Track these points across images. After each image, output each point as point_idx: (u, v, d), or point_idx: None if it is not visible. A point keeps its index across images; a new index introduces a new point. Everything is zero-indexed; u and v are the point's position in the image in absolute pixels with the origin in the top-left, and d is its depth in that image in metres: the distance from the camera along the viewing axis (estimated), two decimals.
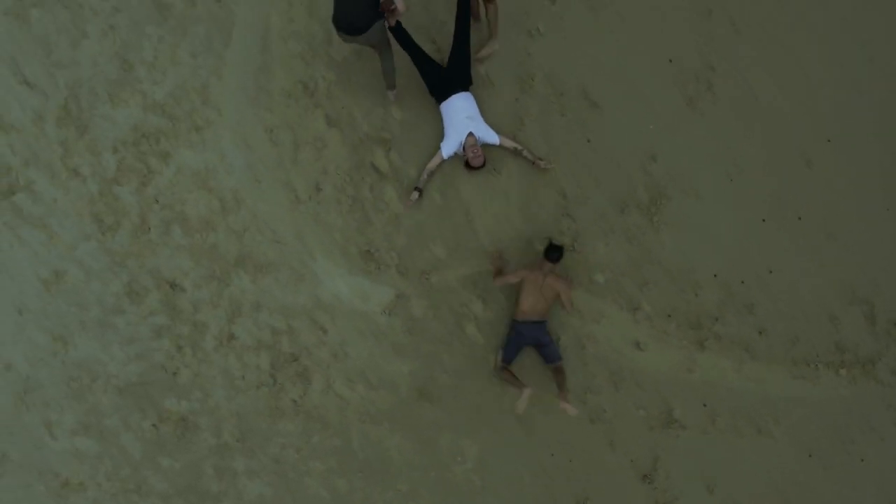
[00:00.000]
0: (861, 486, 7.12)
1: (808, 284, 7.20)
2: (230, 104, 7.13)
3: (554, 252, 6.74)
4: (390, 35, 6.62)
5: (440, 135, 7.01)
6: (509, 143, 7.02)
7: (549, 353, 6.74)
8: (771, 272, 7.20)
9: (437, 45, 7.17)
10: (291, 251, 7.01)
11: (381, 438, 6.94)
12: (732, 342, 7.12)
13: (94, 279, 6.93)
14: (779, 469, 7.08)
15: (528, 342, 6.76)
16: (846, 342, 7.17)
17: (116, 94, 7.09)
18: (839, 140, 7.35)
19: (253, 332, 6.94)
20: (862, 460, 7.12)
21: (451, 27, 6.90)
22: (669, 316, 7.11)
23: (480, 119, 6.95)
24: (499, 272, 6.86)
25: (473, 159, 6.86)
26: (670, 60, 7.32)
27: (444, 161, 6.99)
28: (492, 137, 6.95)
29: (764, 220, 7.23)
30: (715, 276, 7.16)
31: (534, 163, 7.04)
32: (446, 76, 6.85)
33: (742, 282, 7.16)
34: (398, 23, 6.54)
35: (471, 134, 6.85)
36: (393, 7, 6.21)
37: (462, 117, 6.86)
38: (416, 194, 6.95)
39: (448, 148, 6.93)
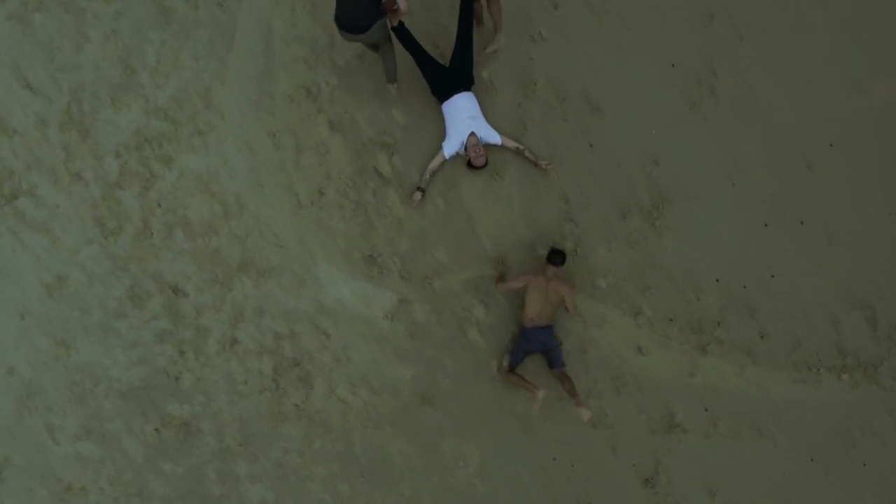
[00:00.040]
0: (863, 491, 7.13)
1: (809, 288, 7.21)
2: (233, 108, 7.13)
3: (557, 256, 6.75)
4: (392, 32, 6.62)
5: (442, 137, 7.01)
6: (511, 143, 7.02)
7: (554, 359, 6.74)
8: (773, 276, 7.21)
9: (440, 49, 7.17)
10: (294, 256, 7.01)
11: (383, 443, 6.94)
12: (734, 346, 7.12)
13: (96, 283, 6.93)
14: (780, 473, 7.08)
15: (536, 348, 6.77)
16: (848, 346, 7.18)
17: (119, 98, 7.09)
18: (841, 144, 7.36)
19: (255, 337, 6.94)
20: (864, 464, 7.13)
21: (453, 31, 6.91)
22: (671, 320, 7.11)
23: (482, 119, 6.96)
24: (501, 277, 6.87)
25: (475, 159, 6.87)
26: (672, 65, 7.32)
27: (446, 161, 7.00)
28: (493, 137, 6.95)
29: (766, 225, 7.24)
30: (717, 280, 7.17)
31: (535, 163, 7.04)
32: (448, 76, 6.86)
33: (744, 286, 7.17)
34: (401, 23, 6.54)
35: (472, 133, 6.85)
36: (395, 7, 6.21)
37: (464, 117, 6.87)
38: (418, 194, 6.96)
39: (450, 148, 6.93)
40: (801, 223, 7.26)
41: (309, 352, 6.95)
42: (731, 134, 7.29)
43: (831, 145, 7.35)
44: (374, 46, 6.77)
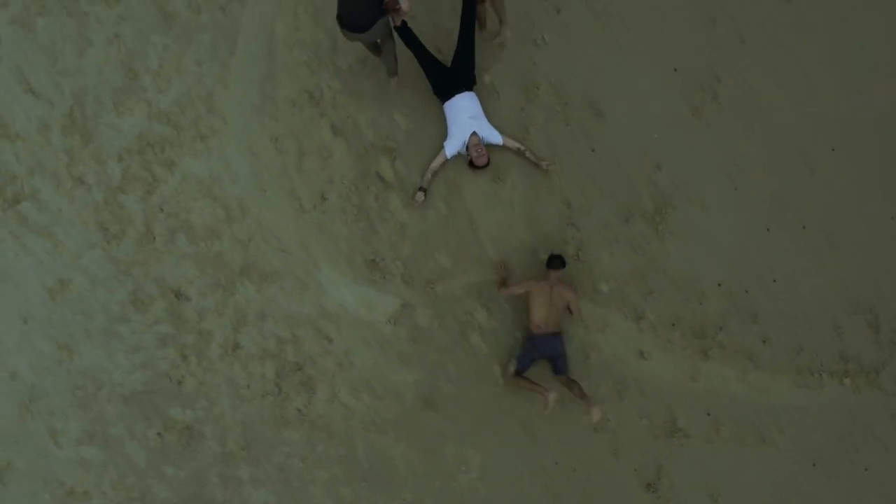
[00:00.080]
0: (865, 496, 7.13)
1: (811, 293, 7.21)
2: (235, 113, 7.13)
3: (556, 260, 6.74)
4: (394, 31, 6.62)
5: (444, 139, 7.01)
6: (512, 144, 7.02)
7: (561, 365, 6.73)
8: (775, 281, 7.21)
9: (443, 53, 7.16)
10: (296, 260, 7.01)
11: (385, 447, 6.94)
12: (736, 351, 7.12)
13: (99, 288, 6.93)
14: (782, 478, 7.08)
15: (544, 354, 6.72)
16: (850, 351, 7.18)
17: (121, 102, 7.09)
18: (842, 148, 7.36)
19: (258, 341, 6.95)
20: (866, 469, 7.13)
21: (455, 34, 6.90)
22: (673, 325, 7.11)
23: (484, 119, 6.96)
24: (503, 282, 6.87)
25: (477, 158, 6.87)
26: (675, 69, 7.32)
27: (447, 160, 6.99)
28: (495, 137, 6.96)
29: (768, 229, 7.24)
30: (719, 285, 7.17)
31: (536, 164, 7.05)
32: (450, 76, 6.86)
33: (746, 291, 7.17)
34: (403, 22, 6.54)
35: (474, 133, 6.86)
36: (397, 6, 6.22)
37: (465, 117, 6.87)
38: (420, 195, 6.95)
39: (451, 147, 6.93)
40: (803, 227, 7.26)
41: (311, 356, 6.95)
42: (734, 138, 7.29)
43: (833, 149, 7.35)
44: (375, 47, 6.78)
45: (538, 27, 7.28)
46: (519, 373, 6.75)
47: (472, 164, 6.97)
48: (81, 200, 7.00)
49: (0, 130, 7.04)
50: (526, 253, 7.08)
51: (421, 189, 6.96)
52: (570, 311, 6.82)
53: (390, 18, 6.39)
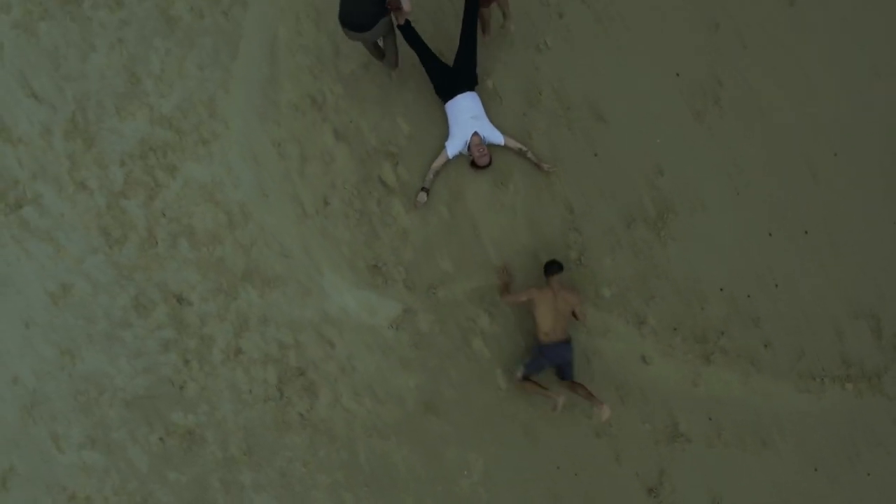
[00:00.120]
0: (867, 500, 7.12)
1: (813, 298, 7.21)
2: (237, 117, 7.13)
3: (553, 266, 6.69)
4: (398, 30, 6.63)
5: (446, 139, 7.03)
6: (514, 144, 7.02)
7: (568, 372, 6.72)
8: (776, 285, 7.20)
9: (445, 56, 7.15)
10: (299, 265, 7.02)
11: (387, 452, 6.95)
12: (738, 356, 7.12)
13: (101, 292, 6.93)
14: (784, 483, 7.08)
15: (554, 362, 6.69)
16: (852, 356, 7.18)
17: (124, 106, 7.09)
18: (845, 154, 7.35)
19: (260, 346, 6.95)
20: (868, 474, 7.13)
21: (456, 36, 6.90)
22: (675, 330, 7.11)
23: (485, 119, 6.96)
24: (505, 287, 6.86)
25: (479, 158, 6.87)
26: (677, 74, 7.32)
27: (449, 160, 6.99)
28: (496, 137, 6.96)
29: (770, 234, 7.24)
30: (721, 289, 7.17)
31: (537, 165, 7.05)
32: (452, 75, 6.86)
33: (748, 295, 7.17)
34: (407, 21, 6.54)
35: (475, 133, 6.86)
36: (399, 6, 6.23)
37: (467, 117, 6.87)
38: (423, 195, 6.95)
39: (453, 147, 6.94)
40: (805, 232, 7.26)
41: (313, 361, 6.96)
42: (736, 143, 7.29)
43: (835, 154, 7.34)
44: (376, 47, 6.77)
45: (541, 32, 7.28)
46: (527, 377, 6.73)
47: (473, 164, 6.97)
48: (83, 205, 7.00)
49: (3, 135, 7.05)
50: (528, 257, 7.08)
51: (423, 189, 6.96)
52: (576, 316, 6.81)
53: (393, 17, 6.40)
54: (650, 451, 7.04)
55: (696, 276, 7.16)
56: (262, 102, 7.14)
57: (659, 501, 7.01)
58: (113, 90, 7.09)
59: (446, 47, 7.13)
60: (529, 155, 7.04)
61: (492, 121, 7.04)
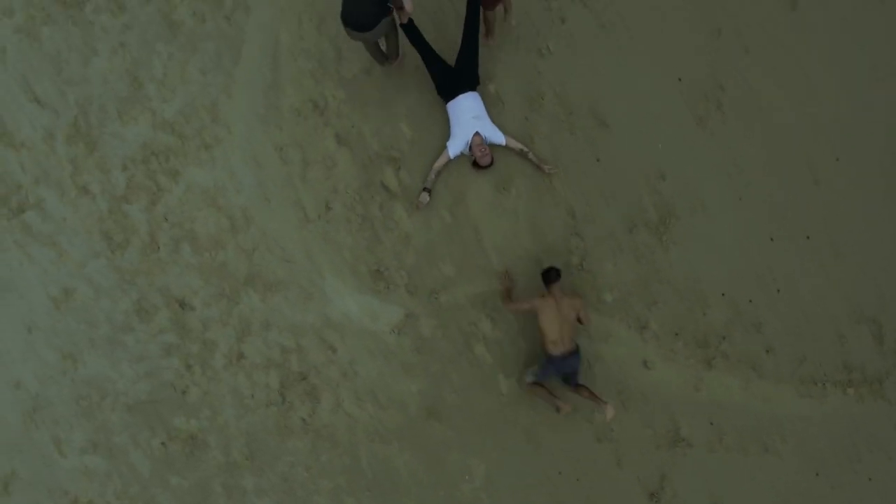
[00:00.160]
0: None
1: (815, 303, 7.21)
2: (240, 122, 7.14)
3: (551, 273, 6.62)
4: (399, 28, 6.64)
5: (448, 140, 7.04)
6: (515, 144, 7.02)
7: (574, 379, 6.71)
8: (778, 291, 7.20)
9: (448, 58, 7.15)
10: (301, 270, 7.02)
11: (389, 457, 6.95)
12: (740, 361, 7.12)
13: (103, 297, 6.94)
14: (786, 487, 7.09)
15: (563, 372, 6.64)
16: (854, 361, 7.18)
17: (126, 111, 7.10)
18: (847, 158, 7.34)
19: (262, 351, 6.96)
20: (870, 479, 7.13)
21: (458, 37, 6.90)
22: (677, 334, 7.12)
23: (487, 119, 6.96)
24: (508, 293, 6.85)
25: (481, 158, 6.87)
26: (679, 79, 7.32)
27: (451, 161, 6.99)
28: (498, 138, 6.95)
29: (772, 239, 7.24)
30: (723, 294, 7.17)
31: (538, 166, 7.05)
32: (454, 75, 6.86)
33: (750, 300, 7.17)
34: (410, 20, 6.54)
35: (477, 133, 6.86)
36: (401, 5, 6.23)
37: (469, 117, 6.87)
38: (425, 195, 6.95)
39: (454, 147, 6.93)
40: (807, 238, 7.26)
41: (315, 366, 6.96)
42: (737, 148, 7.29)
43: (837, 159, 7.34)
44: (377, 47, 6.77)
45: (543, 37, 7.28)
46: (536, 383, 6.72)
47: (475, 164, 6.97)
48: (86, 210, 7.01)
49: (5, 139, 7.06)
50: (530, 262, 7.08)
51: (425, 189, 6.96)
52: (580, 321, 6.76)
53: (396, 16, 6.40)
54: (652, 455, 7.04)
55: (697, 281, 7.16)
56: (265, 107, 7.14)
57: None
58: (115, 94, 7.10)
59: (447, 47, 7.13)
60: (531, 156, 7.04)
61: (494, 124, 7.04)
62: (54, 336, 6.90)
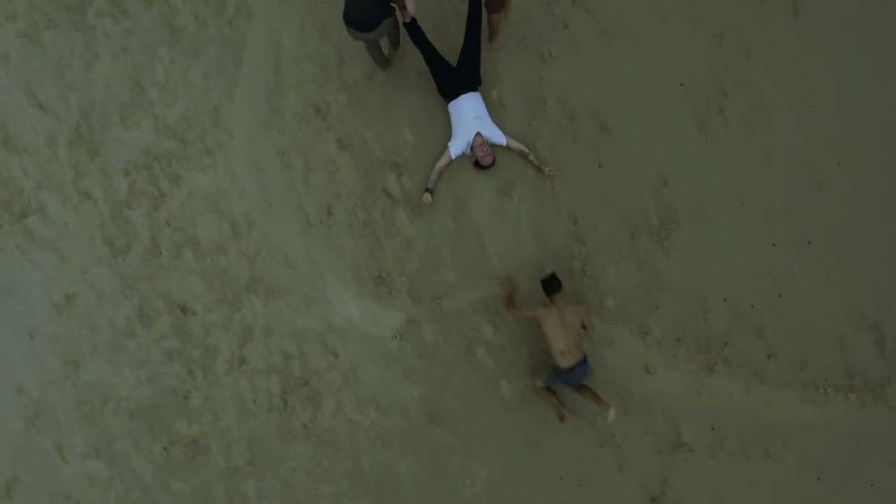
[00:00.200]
0: None
1: (817, 308, 7.21)
2: (242, 127, 7.13)
3: (551, 283, 6.59)
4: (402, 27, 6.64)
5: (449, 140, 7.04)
6: (516, 145, 7.01)
7: (580, 387, 6.70)
8: (780, 296, 7.20)
9: (449, 59, 7.14)
10: (303, 275, 7.02)
11: (391, 462, 6.96)
12: (741, 366, 7.13)
13: (105, 302, 6.94)
14: (787, 493, 7.09)
15: (572, 383, 6.57)
16: (855, 366, 7.18)
17: (128, 116, 7.10)
18: (849, 164, 7.34)
19: (264, 356, 6.96)
20: (871, 485, 7.14)
21: (459, 38, 6.90)
22: (679, 340, 7.12)
23: (489, 119, 6.96)
24: (510, 298, 6.85)
25: (483, 158, 6.87)
26: (682, 84, 7.32)
27: (452, 162, 6.98)
28: (499, 138, 6.95)
29: (773, 244, 7.24)
30: (724, 299, 7.17)
31: (539, 168, 7.05)
32: (456, 76, 6.86)
33: (751, 306, 7.17)
34: (413, 20, 6.54)
35: (478, 134, 6.85)
36: (404, 5, 6.23)
37: (470, 117, 6.87)
38: (428, 196, 6.94)
39: (456, 147, 6.93)
40: (809, 243, 7.26)
41: (317, 371, 6.96)
42: (740, 154, 7.29)
43: (839, 164, 7.34)
44: (379, 52, 6.77)
45: (545, 42, 7.27)
46: (547, 388, 6.71)
47: (477, 165, 6.97)
48: (88, 215, 7.01)
49: (7, 145, 7.06)
50: (532, 268, 7.08)
51: (427, 190, 6.96)
52: (585, 328, 6.69)
53: (399, 16, 6.40)
54: (653, 460, 7.04)
55: (699, 287, 7.16)
56: (267, 112, 7.14)
57: None
58: (117, 99, 7.10)
59: (448, 48, 7.12)
60: (532, 157, 7.03)
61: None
62: (56, 341, 6.91)
